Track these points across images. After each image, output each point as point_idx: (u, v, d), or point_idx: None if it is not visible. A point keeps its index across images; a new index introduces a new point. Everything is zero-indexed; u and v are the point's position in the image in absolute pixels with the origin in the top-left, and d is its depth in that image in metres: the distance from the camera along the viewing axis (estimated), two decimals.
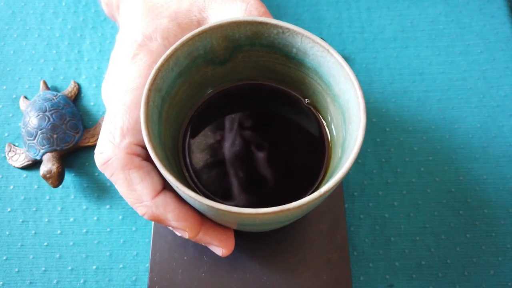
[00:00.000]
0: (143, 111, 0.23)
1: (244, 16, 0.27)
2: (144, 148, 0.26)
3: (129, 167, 0.25)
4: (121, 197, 0.36)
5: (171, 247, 0.32)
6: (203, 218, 0.27)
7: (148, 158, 0.26)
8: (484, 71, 0.41)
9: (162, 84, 0.25)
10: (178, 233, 0.26)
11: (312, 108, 0.30)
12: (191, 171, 0.28)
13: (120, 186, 0.25)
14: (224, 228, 0.28)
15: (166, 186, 0.26)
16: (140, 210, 0.25)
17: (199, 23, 0.28)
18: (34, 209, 0.36)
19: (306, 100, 0.30)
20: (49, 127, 0.36)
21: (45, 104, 0.37)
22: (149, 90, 0.24)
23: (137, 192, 0.25)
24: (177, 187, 0.22)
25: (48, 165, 0.35)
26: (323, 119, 0.29)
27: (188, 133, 0.29)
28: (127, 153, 0.25)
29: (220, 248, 0.27)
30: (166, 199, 0.25)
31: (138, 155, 0.25)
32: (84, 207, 0.36)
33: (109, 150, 0.25)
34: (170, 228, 0.26)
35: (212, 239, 0.27)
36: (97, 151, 0.26)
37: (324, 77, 0.27)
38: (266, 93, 0.30)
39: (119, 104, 0.26)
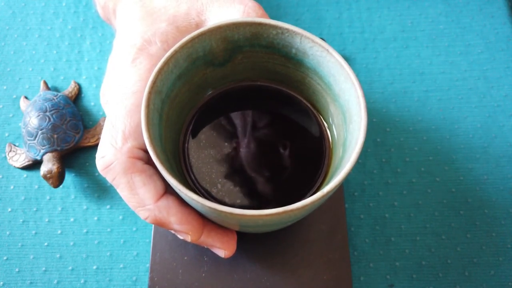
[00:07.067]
0: (144, 114, 0.23)
1: (243, 17, 0.27)
2: (146, 151, 0.26)
3: (132, 171, 0.25)
4: (121, 198, 0.36)
5: (172, 247, 0.32)
6: (205, 220, 0.27)
7: (149, 162, 0.26)
8: (485, 71, 0.41)
9: (162, 87, 0.25)
10: (181, 237, 0.26)
11: (312, 108, 0.30)
12: (192, 174, 0.28)
13: (122, 190, 0.25)
14: (226, 230, 0.28)
15: (168, 190, 0.26)
16: (143, 214, 0.25)
17: (197, 26, 0.28)
18: (35, 209, 0.36)
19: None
20: (50, 127, 0.36)
21: (46, 104, 0.37)
22: (149, 93, 0.24)
23: (139, 196, 0.25)
24: (179, 189, 0.22)
25: (48, 165, 0.35)
26: (324, 119, 0.29)
27: (189, 135, 0.29)
28: (129, 156, 0.25)
29: (223, 250, 0.27)
30: (168, 202, 0.25)
31: (140, 159, 0.25)
32: (85, 207, 0.36)
33: (111, 154, 0.25)
34: (172, 231, 0.26)
35: (215, 241, 0.27)
36: (98, 155, 0.26)
37: (324, 77, 0.27)
38: (266, 94, 0.30)
39: (120, 108, 0.25)
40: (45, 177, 0.34)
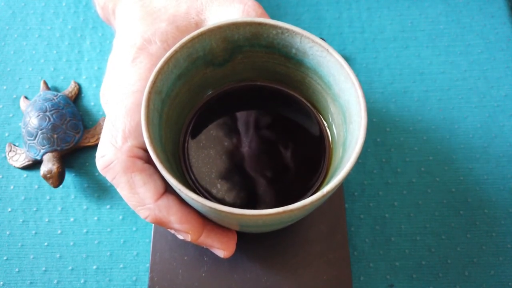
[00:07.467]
0: (144, 114, 0.23)
1: (243, 17, 0.27)
2: (146, 151, 0.25)
3: (132, 170, 0.25)
4: (121, 197, 0.36)
5: (172, 247, 0.32)
6: (205, 220, 0.26)
7: (149, 161, 0.26)
8: (485, 71, 0.41)
9: (162, 87, 0.25)
10: (180, 236, 0.26)
11: (312, 108, 0.30)
12: (192, 173, 0.28)
13: (122, 189, 0.25)
14: (226, 230, 0.28)
15: (168, 189, 0.26)
16: (143, 213, 0.25)
17: (197, 26, 0.28)
18: (35, 209, 0.36)
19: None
20: (50, 127, 0.36)
21: (46, 104, 0.37)
22: (149, 93, 0.24)
23: (139, 195, 0.25)
24: (179, 189, 0.22)
25: (48, 165, 0.35)
26: (324, 119, 0.29)
27: (189, 135, 0.29)
28: (129, 156, 0.25)
29: (222, 250, 0.27)
30: (168, 201, 0.25)
31: (140, 158, 0.25)
32: (85, 207, 0.36)
33: (111, 153, 0.25)
34: (172, 231, 0.26)
35: (214, 241, 0.27)
36: (98, 154, 0.26)
37: (324, 77, 0.27)
38: (266, 94, 0.30)
39: (120, 107, 0.25)
40: (45, 177, 0.34)
